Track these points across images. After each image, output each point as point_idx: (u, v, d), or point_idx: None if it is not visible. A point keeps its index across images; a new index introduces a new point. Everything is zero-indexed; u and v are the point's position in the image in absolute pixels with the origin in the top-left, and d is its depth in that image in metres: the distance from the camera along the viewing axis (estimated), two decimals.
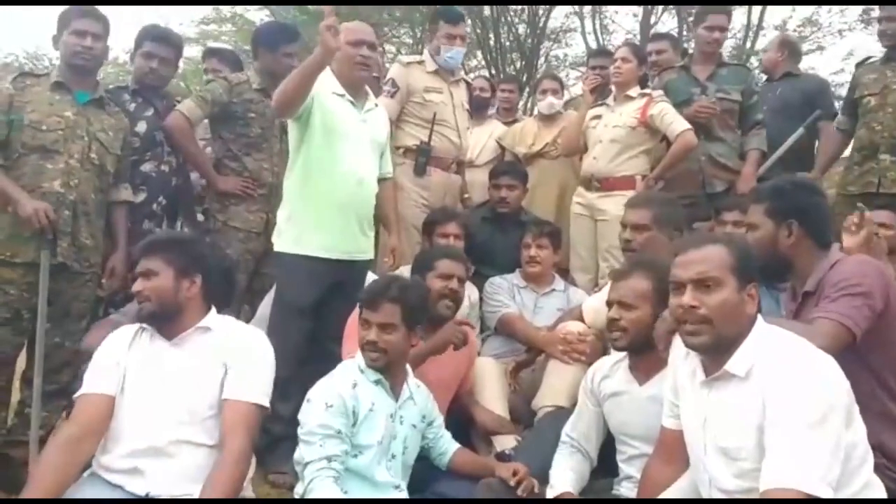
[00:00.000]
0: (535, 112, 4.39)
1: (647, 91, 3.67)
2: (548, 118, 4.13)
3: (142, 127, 3.18)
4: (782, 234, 2.05)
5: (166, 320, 1.96)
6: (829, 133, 3.99)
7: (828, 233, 2.08)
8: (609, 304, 2.24)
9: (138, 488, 1.83)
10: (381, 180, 3.05)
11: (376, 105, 3.01)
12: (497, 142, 4.30)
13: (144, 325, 1.99)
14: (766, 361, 1.55)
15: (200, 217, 3.48)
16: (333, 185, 2.78)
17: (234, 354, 1.93)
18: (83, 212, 2.75)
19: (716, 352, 1.65)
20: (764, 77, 4.47)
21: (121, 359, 1.94)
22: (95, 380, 1.92)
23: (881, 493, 1.61)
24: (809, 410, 1.46)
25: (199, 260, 2.02)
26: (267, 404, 1.95)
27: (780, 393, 1.49)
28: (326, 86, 2.83)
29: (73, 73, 2.80)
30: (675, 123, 3.50)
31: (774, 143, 3.85)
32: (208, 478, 1.79)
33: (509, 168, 3.78)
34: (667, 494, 1.81)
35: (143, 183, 3.16)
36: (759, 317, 1.66)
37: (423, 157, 3.58)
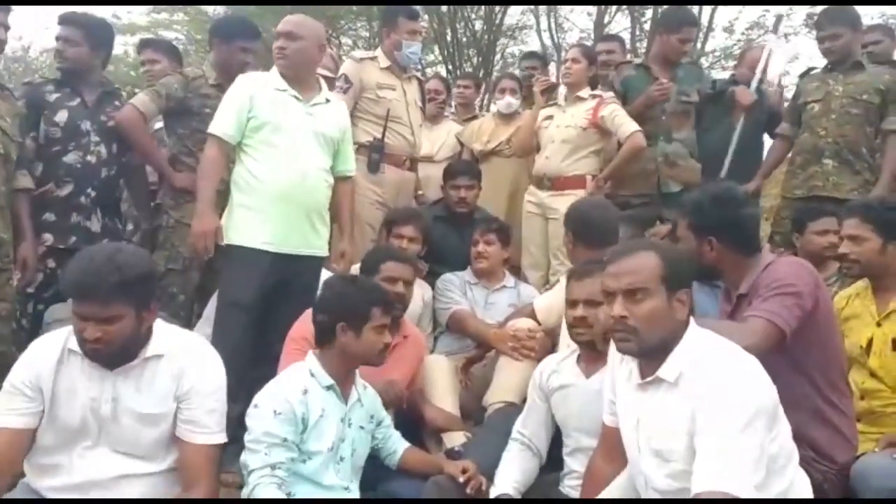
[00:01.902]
0: (494, 110, 4.43)
1: (598, 92, 3.74)
2: (505, 117, 4.16)
3: (62, 116, 3.07)
4: (705, 248, 2.11)
5: (121, 358, 1.80)
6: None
7: (751, 242, 2.12)
8: (573, 302, 2.25)
9: None
10: (340, 179, 3.01)
11: (328, 100, 2.95)
12: (456, 137, 4.32)
13: (68, 343, 1.81)
14: (694, 368, 1.60)
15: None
16: (273, 176, 2.74)
17: (190, 391, 1.83)
18: (2, 206, 2.63)
19: (648, 356, 1.70)
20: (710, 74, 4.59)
21: (45, 383, 1.78)
22: (6, 411, 1.77)
23: (807, 491, 1.68)
24: (735, 416, 1.51)
25: (154, 285, 1.88)
26: (225, 439, 1.90)
27: (708, 400, 1.54)
28: (269, 83, 2.82)
29: None
30: (626, 125, 3.56)
31: (745, 152, 3.94)
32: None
33: (467, 168, 3.79)
34: (606, 492, 1.86)
35: (68, 175, 3.06)
36: (692, 320, 1.70)
37: (376, 154, 3.56)
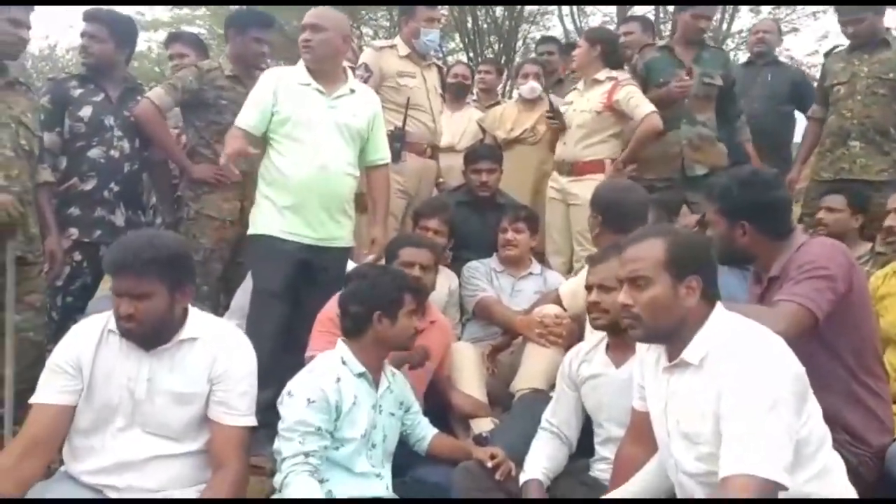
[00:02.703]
0: (516, 96, 4.39)
1: (614, 74, 3.66)
2: (528, 103, 4.10)
3: (87, 111, 3.11)
4: (737, 233, 2.06)
5: (155, 339, 1.85)
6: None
7: (784, 225, 2.08)
8: (588, 287, 2.26)
9: (114, 494, 1.81)
10: (372, 168, 3.01)
11: (352, 91, 2.94)
12: (478, 123, 4.29)
13: (109, 324, 1.87)
14: (719, 350, 1.58)
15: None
16: (294, 170, 2.76)
17: (222, 374, 1.87)
18: (28, 201, 2.67)
19: (658, 342, 1.70)
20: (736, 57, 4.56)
21: (85, 362, 1.84)
22: (50, 387, 1.83)
23: (841, 475, 1.64)
24: (761, 398, 1.48)
25: (189, 269, 1.92)
26: (255, 423, 1.93)
27: (733, 382, 1.51)
28: (293, 77, 2.84)
29: None
30: (641, 106, 3.50)
31: (763, 128, 3.94)
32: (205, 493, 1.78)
33: (487, 152, 3.76)
34: (637, 477, 1.85)
35: (92, 169, 3.10)
36: (719, 304, 1.68)
37: (397, 143, 3.51)
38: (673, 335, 1.65)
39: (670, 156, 3.70)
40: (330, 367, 2.07)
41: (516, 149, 4.05)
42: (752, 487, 1.41)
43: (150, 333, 1.83)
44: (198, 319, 1.93)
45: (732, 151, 3.82)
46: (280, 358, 2.54)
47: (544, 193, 3.85)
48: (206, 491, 1.79)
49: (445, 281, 3.25)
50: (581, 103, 3.68)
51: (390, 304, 2.11)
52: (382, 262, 2.86)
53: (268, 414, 2.08)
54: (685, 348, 1.63)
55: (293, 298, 2.76)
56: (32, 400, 1.84)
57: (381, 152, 3.04)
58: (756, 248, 2.06)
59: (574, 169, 3.65)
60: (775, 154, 4.20)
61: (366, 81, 3.47)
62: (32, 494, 1.76)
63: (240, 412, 1.89)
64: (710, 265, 1.72)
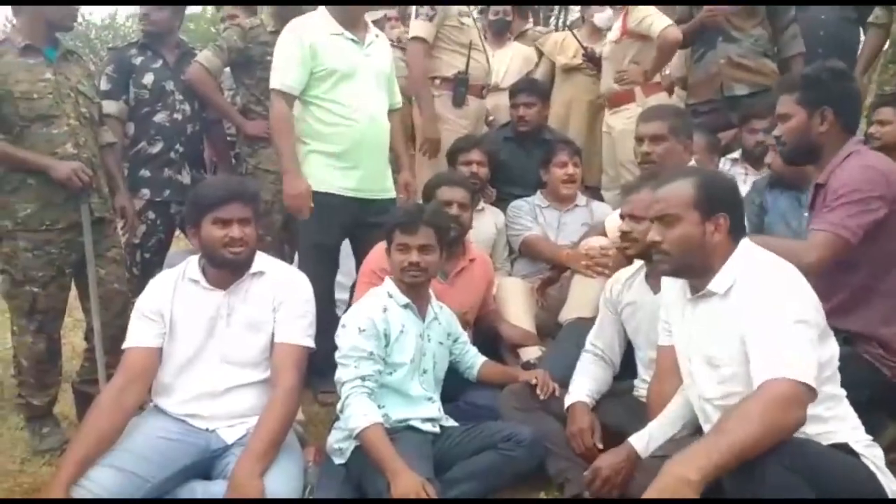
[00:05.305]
0: (574, 26, 4.31)
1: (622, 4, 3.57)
2: (595, 32, 4.02)
3: (149, 78, 3.27)
4: (815, 122, 2.06)
5: (245, 267, 2.10)
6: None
7: (857, 120, 2.11)
8: (621, 216, 2.33)
9: (200, 424, 2.04)
10: (391, 112, 3.05)
11: (377, 36, 2.99)
12: (537, 47, 4.25)
13: (187, 273, 2.12)
14: (744, 280, 1.66)
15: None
16: (345, 123, 2.82)
17: (283, 301, 2.10)
18: (98, 165, 2.81)
19: (684, 276, 1.79)
20: None
21: (164, 309, 2.08)
22: (139, 333, 2.08)
23: (845, 405, 1.68)
24: (786, 313, 1.55)
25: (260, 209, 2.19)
26: (312, 345, 2.12)
27: (759, 302, 1.59)
28: (323, 29, 2.83)
29: (48, 31, 2.71)
30: (656, 23, 3.40)
31: (829, 37, 3.74)
32: (261, 417, 1.96)
33: (527, 85, 3.72)
34: (665, 413, 1.96)
35: (158, 133, 3.28)
36: (745, 240, 1.74)
37: (462, 88, 3.55)
38: (699, 269, 1.73)
39: (710, 76, 3.60)
40: (377, 300, 2.25)
41: (575, 77, 3.99)
42: (785, 388, 1.46)
43: (248, 260, 2.09)
44: (263, 258, 2.18)
45: (781, 67, 3.63)
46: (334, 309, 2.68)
47: (600, 123, 3.82)
48: (262, 416, 1.97)
49: (492, 218, 3.33)
50: (610, 34, 3.65)
51: (388, 240, 2.31)
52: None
53: (330, 357, 2.23)
54: (712, 280, 1.70)
55: (354, 255, 2.90)
56: (125, 345, 2.09)
57: (397, 96, 3.12)
58: (828, 139, 2.06)
59: (610, 102, 3.63)
60: None
61: (431, 20, 3.46)
62: (129, 428, 1.99)
63: (295, 332, 2.10)
64: (738, 205, 1.78)
